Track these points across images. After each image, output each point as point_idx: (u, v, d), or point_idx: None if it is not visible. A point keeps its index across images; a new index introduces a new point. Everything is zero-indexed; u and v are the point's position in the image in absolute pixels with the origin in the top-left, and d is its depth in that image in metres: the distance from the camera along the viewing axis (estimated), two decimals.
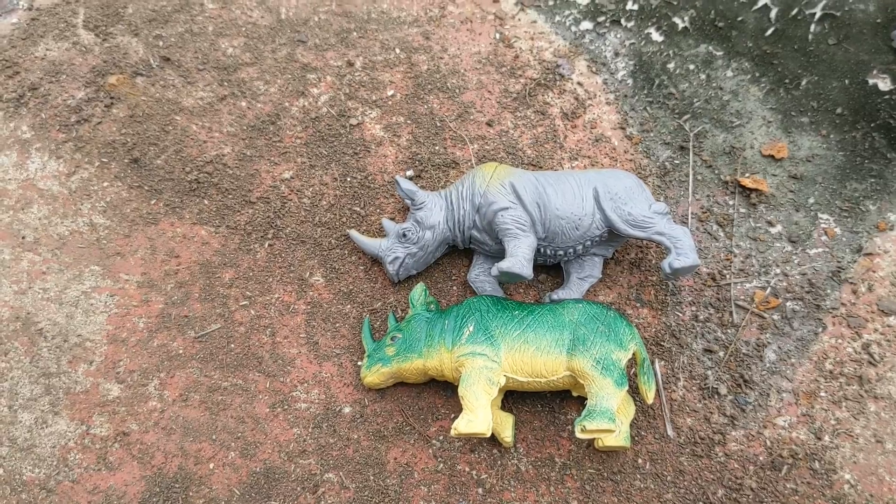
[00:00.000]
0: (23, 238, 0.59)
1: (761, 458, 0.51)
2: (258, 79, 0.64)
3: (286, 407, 0.54)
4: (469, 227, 0.54)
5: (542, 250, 0.53)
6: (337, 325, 0.56)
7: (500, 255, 0.53)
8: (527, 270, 0.49)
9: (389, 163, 0.60)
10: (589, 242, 0.52)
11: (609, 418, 0.46)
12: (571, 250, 0.52)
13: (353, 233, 0.55)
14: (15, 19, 0.69)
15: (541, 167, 0.59)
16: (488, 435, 0.47)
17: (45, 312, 0.57)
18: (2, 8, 0.70)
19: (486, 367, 0.48)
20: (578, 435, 0.47)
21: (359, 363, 0.55)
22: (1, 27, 0.69)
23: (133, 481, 0.51)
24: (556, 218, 0.51)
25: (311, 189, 0.59)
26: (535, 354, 0.49)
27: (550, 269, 0.56)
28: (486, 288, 0.55)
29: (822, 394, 0.52)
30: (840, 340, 0.54)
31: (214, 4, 0.67)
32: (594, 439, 0.51)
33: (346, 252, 0.57)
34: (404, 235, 0.54)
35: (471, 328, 0.50)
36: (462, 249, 0.57)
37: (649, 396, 0.50)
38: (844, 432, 0.51)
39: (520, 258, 0.49)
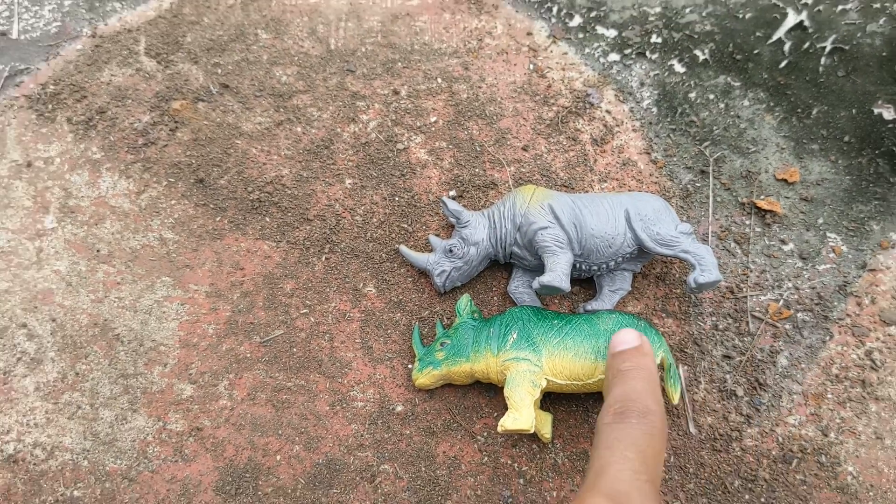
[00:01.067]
0: (97, 251, 0.67)
1: (774, 453, 0.58)
2: (311, 105, 0.72)
3: (344, 405, 0.61)
4: (510, 243, 0.60)
5: (577, 265, 0.60)
6: (388, 331, 0.64)
7: (538, 269, 0.61)
8: (565, 284, 0.56)
9: (433, 184, 0.68)
10: (620, 259, 0.58)
11: None
12: (605, 266, 0.59)
13: (403, 248, 0.62)
14: (80, 46, 0.77)
15: (573, 188, 0.67)
16: (531, 431, 0.55)
17: (121, 319, 0.64)
18: (66, 35, 0.77)
19: (530, 371, 0.56)
20: None
21: (409, 366, 0.63)
22: (67, 53, 0.77)
23: (207, 471, 0.59)
24: (591, 237, 0.57)
25: (362, 208, 0.67)
26: (573, 360, 0.57)
27: (583, 282, 0.64)
28: (525, 299, 0.62)
29: (829, 395, 0.60)
30: (845, 348, 0.61)
31: (268, 34, 0.75)
32: None
33: (396, 265, 0.64)
34: (450, 251, 0.62)
35: (515, 335, 0.58)
36: (503, 264, 0.65)
37: (675, 397, 0.57)
38: (848, 430, 0.59)
39: (559, 273, 0.56)
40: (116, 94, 0.75)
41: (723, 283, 0.63)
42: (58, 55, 0.78)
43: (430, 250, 0.64)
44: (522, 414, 0.55)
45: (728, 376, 0.60)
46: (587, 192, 0.65)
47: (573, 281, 0.64)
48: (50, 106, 0.75)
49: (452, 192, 0.63)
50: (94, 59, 0.77)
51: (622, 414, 0.48)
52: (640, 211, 0.59)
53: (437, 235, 0.65)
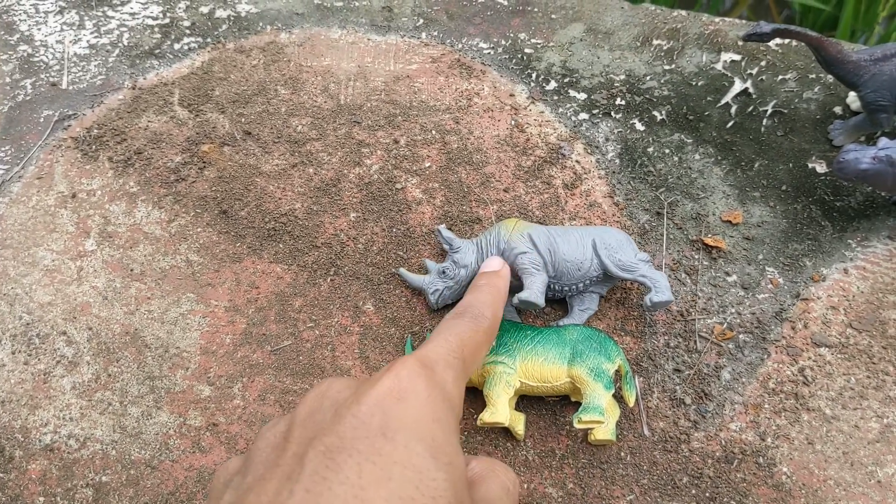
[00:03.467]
0: (131, 270, 0.74)
1: (717, 454, 0.64)
2: (322, 151, 0.80)
3: None
4: None
5: (551, 286, 0.67)
6: (384, 343, 0.70)
7: (518, 289, 0.68)
8: (540, 300, 0.62)
9: (427, 218, 0.75)
10: (588, 281, 0.65)
11: (599, 412, 0.60)
12: (575, 287, 0.65)
13: (403, 270, 0.68)
14: (121, 96, 0.85)
15: (547, 224, 0.74)
16: (506, 424, 0.61)
17: (149, 329, 0.71)
18: (110, 86, 0.86)
19: (505, 373, 0.63)
20: (576, 425, 0.60)
21: None
22: (109, 102, 0.85)
23: (221, 462, 0.64)
24: (563, 261, 0.64)
25: (364, 237, 0.74)
26: (543, 363, 0.63)
27: (556, 302, 0.71)
28: (506, 315, 0.69)
29: (766, 406, 0.66)
30: (781, 365, 0.68)
31: (286, 90, 0.83)
32: (587, 433, 0.64)
33: (392, 286, 0.71)
34: (443, 272, 0.69)
35: (494, 343, 0.64)
36: None
37: (631, 400, 0.63)
38: (783, 436, 0.64)
39: (535, 290, 0.62)
40: (152, 137, 0.83)
41: (674, 307, 0.70)
42: (101, 103, 0.86)
43: (426, 272, 0.71)
44: (498, 409, 0.61)
45: (678, 387, 0.66)
46: (562, 225, 0.72)
47: (548, 300, 0.70)
48: (93, 146, 0.83)
49: (443, 226, 0.70)
50: (133, 107, 0.86)
51: (460, 314, 0.54)
52: (606, 241, 0.66)
53: (431, 259, 0.71)
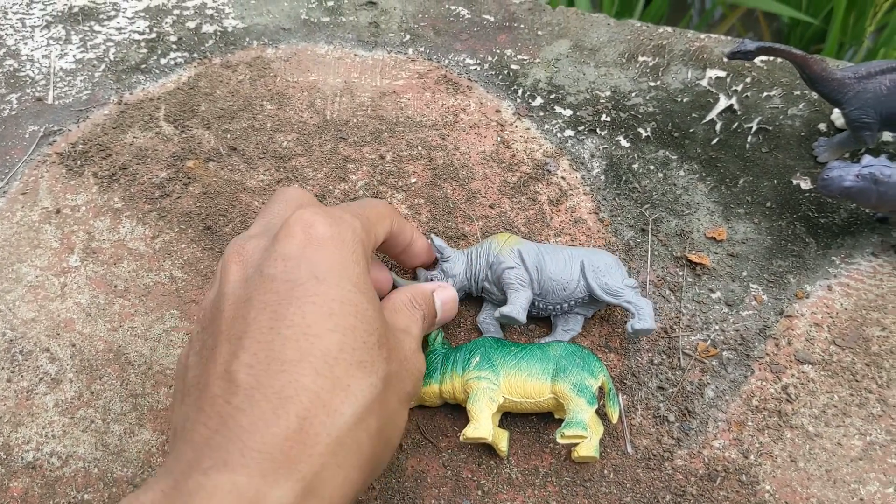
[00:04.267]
0: (115, 287, 0.74)
1: (700, 472, 0.64)
2: (308, 167, 0.80)
3: None
4: (482, 279, 0.67)
5: (536, 303, 0.67)
6: None
7: (504, 303, 0.68)
8: (522, 316, 0.63)
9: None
10: (573, 302, 0.65)
11: (583, 427, 0.60)
12: (559, 307, 0.65)
13: (393, 274, 0.67)
14: (107, 111, 0.85)
15: (532, 240, 0.75)
16: (489, 440, 0.61)
17: (133, 346, 0.71)
18: (95, 102, 0.86)
19: (489, 388, 0.63)
20: (559, 440, 0.60)
21: None
22: (95, 118, 0.85)
23: None
24: (549, 280, 0.64)
25: None
26: (526, 379, 0.63)
27: (540, 321, 0.71)
28: (491, 329, 0.68)
29: (749, 423, 0.66)
30: (764, 382, 0.68)
31: (272, 105, 0.84)
32: (571, 450, 0.64)
33: None
34: (432, 280, 0.69)
35: (477, 359, 0.64)
36: (474, 297, 0.72)
37: (614, 417, 0.64)
38: (766, 453, 0.64)
39: (518, 306, 0.63)
40: (137, 153, 0.83)
41: (658, 324, 0.70)
42: (87, 119, 0.87)
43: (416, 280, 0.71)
44: (481, 424, 0.61)
45: (661, 405, 0.67)
46: (552, 243, 0.73)
47: (532, 318, 0.71)
48: (78, 162, 0.83)
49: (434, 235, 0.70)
50: (119, 122, 0.86)
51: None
52: (594, 263, 0.67)
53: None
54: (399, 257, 0.67)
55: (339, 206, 0.52)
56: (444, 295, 0.65)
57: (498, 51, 0.94)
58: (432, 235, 0.69)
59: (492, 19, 0.97)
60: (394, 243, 0.64)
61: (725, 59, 0.87)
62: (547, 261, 0.67)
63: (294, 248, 0.43)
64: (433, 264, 0.70)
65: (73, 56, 0.93)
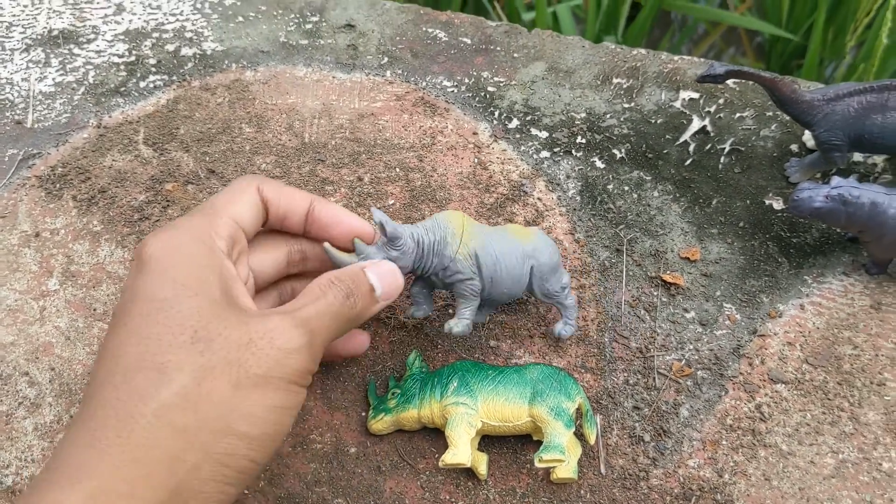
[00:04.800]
0: (94, 310, 0.74)
1: (676, 491, 0.65)
2: None
3: (304, 447, 0.67)
4: (430, 272, 0.64)
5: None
6: (346, 383, 0.70)
7: (441, 286, 0.66)
8: (469, 330, 0.65)
9: None
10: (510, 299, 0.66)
11: (560, 451, 0.61)
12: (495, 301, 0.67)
13: (327, 245, 0.61)
14: (86, 134, 0.86)
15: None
16: (468, 465, 0.62)
17: None
18: (75, 125, 0.86)
19: (467, 414, 0.64)
20: (537, 464, 0.61)
21: (363, 413, 0.69)
22: (74, 141, 0.86)
23: None
24: (501, 293, 0.64)
25: None
26: (504, 404, 0.64)
27: (514, 341, 0.71)
28: (420, 300, 0.67)
29: (724, 442, 0.67)
30: (738, 402, 0.69)
31: (251, 128, 0.85)
32: (550, 471, 0.65)
33: None
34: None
35: (455, 384, 0.65)
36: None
37: (591, 439, 0.64)
38: (740, 472, 0.65)
39: (467, 322, 0.64)
40: (117, 176, 0.83)
41: (633, 343, 0.71)
42: (66, 142, 0.87)
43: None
44: (460, 450, 0.62)
45: (637, 424, 0.68)
46: (503, 233, 0.67)
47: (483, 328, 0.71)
48: (58, 185, 0.83)
49: (379, 206, 0.64)
50: (98, 146, 0.86)
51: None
52: (542, 267, 0.66)
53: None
54: (310, 232, 0.62)
55: (200, 206, 0.57)
56: (379, 269, 0.59)
57: (475, 73, 0.95)
58: (374, 209, 0.62)
59: (469, 42, 0.99)
60: (280, 214, 0.60)
61: (697, 82, 0.88)
62: (502, 271, 0.64)
63: (127, 278, 0.51)
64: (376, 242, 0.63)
65: (53, 79, 0.94)
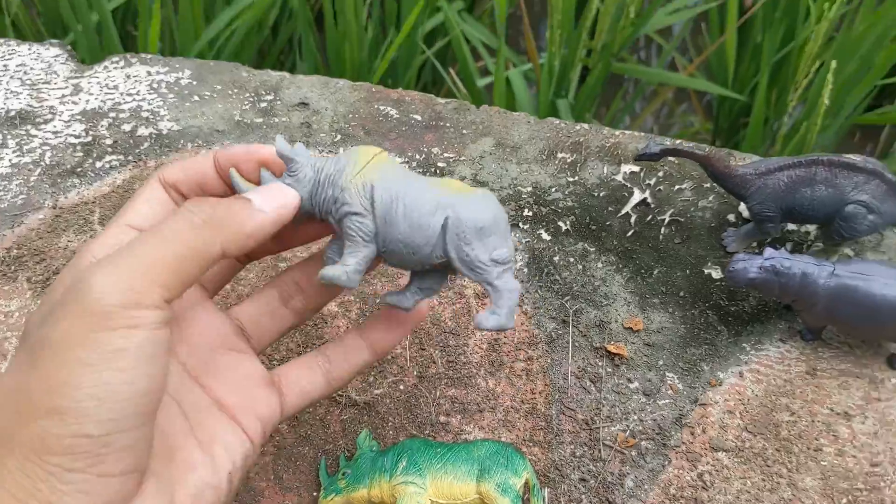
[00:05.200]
0: None
1: None
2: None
3: None
4: (327, 211, 0.52)
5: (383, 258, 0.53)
6: (297, 463, 0.71)
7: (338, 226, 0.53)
8: (353, 283, 0.50)
9: (342, 331, 0.78)
10: (429, 266, 0.51)
11: None
12: (409, 269, 0.54)
13: (232, 171, 0.51)
14: (41, 215, 0.87)
15: (458, 335, 0.77)
16: None
17: None
18: (30, 206, 0.87)
19: (416, 493, 0.65)
20: None
21: (314, 494, 0.70)
22: (30, 222, 0.87)
23: None
24: (396, 241, 0.49)
25: (279, 355, 0.76)
26: (452, 482, 0.65)
27: (457, 384, 0.73)
28: (335, 259, 0.53)
29: None
30: (681, 471, 0.71)
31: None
32: None
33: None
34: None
35: (404, 463, 0.66)
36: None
37: None
38: None
39: (350, 269, 0.49)
40: (72, 257, 0.84)
41: (579, 415, 0.73)
42: (22, 223, 0.88)
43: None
44: None
45: (584, 497, 0.69)
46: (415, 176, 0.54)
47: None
48: (12, 267, 0.84)
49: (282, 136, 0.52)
50: (53, 227, 0.87)
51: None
52: (461, 223, 0.48)
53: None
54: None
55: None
56: (267, 192, 0.49)
57: (425, 149, 0.98)
58: (277, 136, 0.52)
59: (419, 119, 1.02)
60: (193, 185, 0.53)
61: (634, 161, 0.92)
62: (399, 213, 0.49)
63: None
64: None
65: (10, 160, 0.95)
